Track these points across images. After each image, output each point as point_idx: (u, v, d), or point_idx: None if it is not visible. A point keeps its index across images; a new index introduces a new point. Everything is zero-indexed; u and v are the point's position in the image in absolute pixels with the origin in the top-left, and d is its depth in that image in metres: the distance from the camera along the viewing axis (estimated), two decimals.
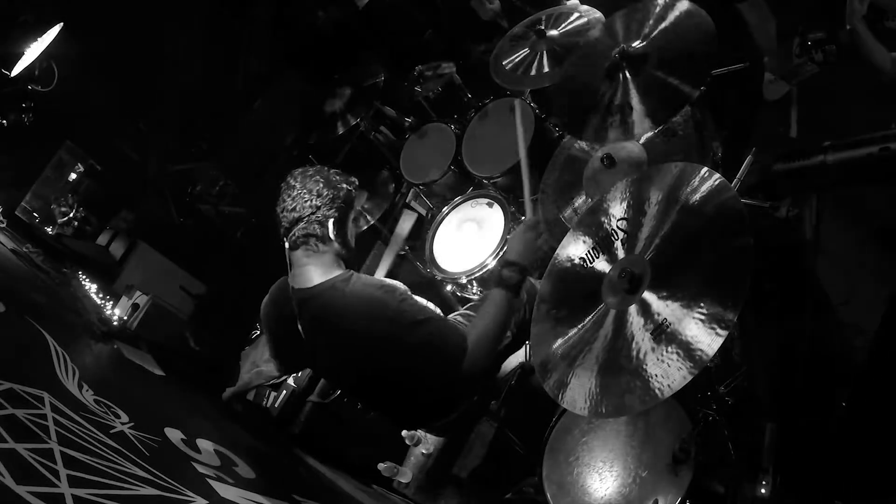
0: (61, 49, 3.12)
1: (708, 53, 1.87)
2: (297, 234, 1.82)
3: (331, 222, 1.82)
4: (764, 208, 2.61)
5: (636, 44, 2.08)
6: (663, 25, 2.04)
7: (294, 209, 1.81)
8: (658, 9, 2.06)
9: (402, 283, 1.91)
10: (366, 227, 3.62)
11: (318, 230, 1.81)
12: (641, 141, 2.22)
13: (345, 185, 1.87)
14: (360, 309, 1.74)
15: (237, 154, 4.16)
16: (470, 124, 3.00)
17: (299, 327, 1.89)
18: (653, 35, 2.05)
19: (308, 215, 1.80)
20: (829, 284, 2.75)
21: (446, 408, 2.12)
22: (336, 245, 1.85)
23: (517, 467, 2.10)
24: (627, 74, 2.04)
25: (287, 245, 1.87)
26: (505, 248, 2.36)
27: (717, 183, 1.41)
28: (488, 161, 2.79)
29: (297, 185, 1.83)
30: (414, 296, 1.94)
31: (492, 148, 2.83)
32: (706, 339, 1.22)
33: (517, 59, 2.88)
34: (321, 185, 1.82)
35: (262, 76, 5.03)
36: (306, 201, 1.80)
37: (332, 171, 1.91)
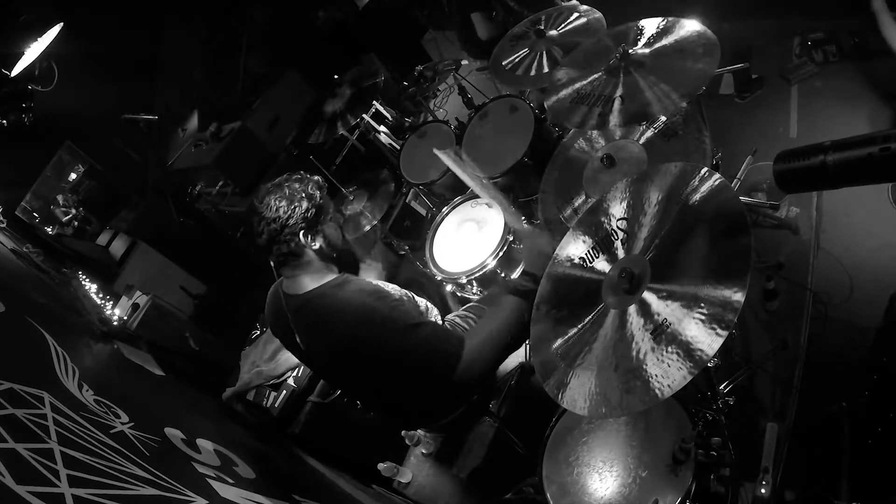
0: (61, 49, 3.11)
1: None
2: (274, 256, 1.83)
3: (301, 234, 1.79)
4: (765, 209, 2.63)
5: (640, 49, 2.09)
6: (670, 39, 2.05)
7: (262, 233, 1.80)
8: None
9: (398, 288, 1.90)
10: (368, 228, 3.63)
11: (293, 248, 1.80)
12: (642, 141, 2.22)
13: (304, 192, 1.82)
14: (351, 315, 1.73)
15: (237, 154, 4.16)
16: (470, 124, 3.00)
17: (294, 332, 1.89)
18: (657, 45, 2.07)
19: (276, 237, 1.79)
20: (829, 283, 2.76)
21: (444, 410, 2.13)
22: (312, 253, 1.83)
23: (517, 467, 2.10)
24: (622, 73, 2.06)
25: (272, 264, 1.88)
26: (505, 247, 2.37)
27: (717, 183, 1.41)
28: (488, 161, 2.79)
29: (262, 208, 1.80)
30: (415, 297, 1.92)
31: (492, 148, 2.83)
32: (706, 339, 1.22)
33: (517, 59, 2.88)
34: (282, 202, 1.79)
35: (262, 76, 5.03)
36: (270, 224, 1.78)
37: (292, 180, 1.85)
